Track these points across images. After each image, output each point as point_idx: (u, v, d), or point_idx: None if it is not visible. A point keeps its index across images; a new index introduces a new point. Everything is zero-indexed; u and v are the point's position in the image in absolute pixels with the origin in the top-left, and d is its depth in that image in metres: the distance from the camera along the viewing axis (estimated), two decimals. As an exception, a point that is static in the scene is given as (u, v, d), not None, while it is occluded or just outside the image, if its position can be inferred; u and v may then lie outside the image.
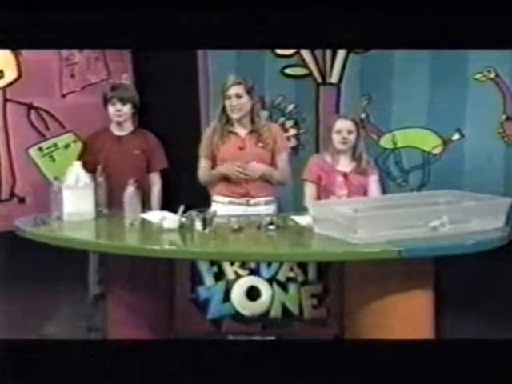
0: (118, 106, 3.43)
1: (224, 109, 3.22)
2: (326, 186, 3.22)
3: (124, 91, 3.54)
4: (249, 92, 3.19)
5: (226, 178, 3.22)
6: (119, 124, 3.48)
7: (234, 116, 3.21)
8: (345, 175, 3.23)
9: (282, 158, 3.28)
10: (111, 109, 3.45)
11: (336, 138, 3.23)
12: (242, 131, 3.25)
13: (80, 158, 3.49)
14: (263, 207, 3.23)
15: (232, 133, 3.24)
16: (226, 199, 3.23)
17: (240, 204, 3.21)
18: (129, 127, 3.52)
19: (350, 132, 3.22)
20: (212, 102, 4.12)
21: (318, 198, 3.23)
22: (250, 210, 3.18)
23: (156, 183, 3.52)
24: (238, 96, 3.17)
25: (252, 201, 3.22)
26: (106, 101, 3.48)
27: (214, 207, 3.19)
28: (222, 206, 3.20)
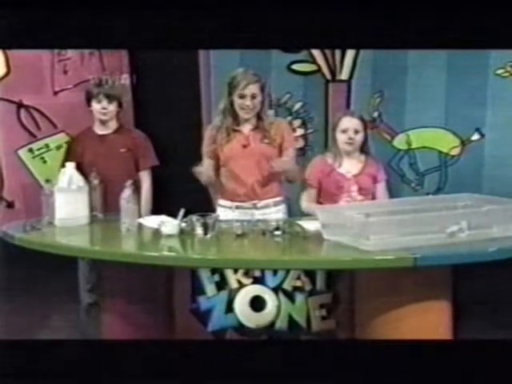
0: (104, 103, 3.42)
1: (232, 105, 3.17)
2: (328, 190, 3.21)
3: (111, 88, 3.54)
4: (262, 89, 3.16)
5: (230, 181, 3.21)
6: (103, 123, 3.47)
7: (246, 116, 3.17)
8: (349, 178, 3.20)
9: (289, 155, 3.25)
10: (96, 106, 3.43)
11: (341, 137, 3.19)
12: (246, 128, 3.23)
13: (63, 163, 3.49)
14: (273, 209, 3.22)
15: (236, 131, 3.23)
16: (233, 204, 3.23)
17: (247, 208, 3.20)
18: (113, 125, 3.51)
19: (356, 132, 3.17)
20: (214, 101, 4.13)
21: (320, 202, 3.23)
22: (259, 214, 3.17)
23: (145, 182, 3.51)
24: (253, 96, 3.12)
25: (260, 204, 3.21)
26: (89, 97, 3.46)
27: (219, 212, 3.19)
28: (229, 211, 3.20)
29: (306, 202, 3.25)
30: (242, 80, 3.12)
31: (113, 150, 3.44)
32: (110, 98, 3.43)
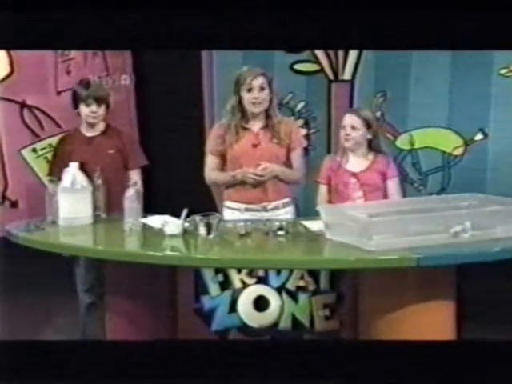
0: (94, 107, 3.34)
1: (240, 102, 3.17)
2: (336, 187, 3.21)
3: (99, 90, 3.45)
4: (269, 85, 3.17)
5: (240, 182, 3.18)
6: (91, 125, 3.41)
7: (255, 110, 3.16)
8: (356, 175, 3.20)
9: (297, 155, 3.26)
10: (85, 110, 3.35)
11: (341, 133, 3.22)
12: (255, 126, 3.22)
13: (50, 165, 3.46)
14: (282, 210, 3.21)
15: (245, 128, 3.21)
16: (242, 206, 3.20)
17: (257, 210, 3.17)
18: (100, 127, 3.44)
19: (353, 128, 3.18)
20: (217, 101, 4.13)
21: (330, 200, 3.23)
22: (268, 216, 3.10)
23: (137, 182, 3.47)
24: (262, 88, 3.13)
25: (269, 206, 3.18)
26: (77, 100, 3.39)
27: (227, 215, 3.18)
28: (237, 214, 3.19)
29: (320, 201, 3.24)
30: (249, 74, 3.14)
31: (101, 152, 3.36)
32: (99, 100, 3.35)
